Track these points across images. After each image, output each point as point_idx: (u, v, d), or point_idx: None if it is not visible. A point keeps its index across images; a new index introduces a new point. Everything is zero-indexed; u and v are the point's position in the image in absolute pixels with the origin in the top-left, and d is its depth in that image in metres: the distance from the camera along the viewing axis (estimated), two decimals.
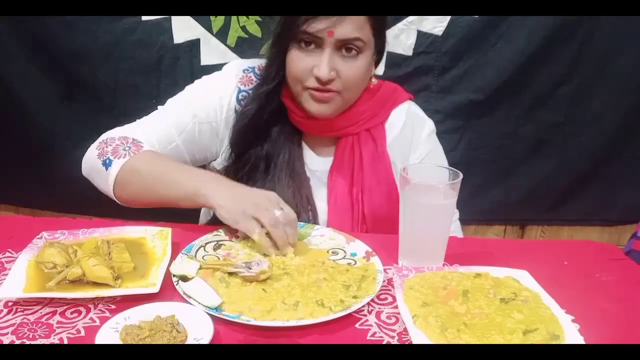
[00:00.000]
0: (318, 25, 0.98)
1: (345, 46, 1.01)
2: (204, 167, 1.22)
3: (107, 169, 1.03)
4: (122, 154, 1.03)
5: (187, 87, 1.18)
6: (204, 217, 1.28)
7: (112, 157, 1.03)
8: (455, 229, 1.21)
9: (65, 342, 0.71)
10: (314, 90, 1.04)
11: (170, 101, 1.17)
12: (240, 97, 1.14)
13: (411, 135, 1.20)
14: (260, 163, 1.13)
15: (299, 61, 1.03)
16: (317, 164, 1.17)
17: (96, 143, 1.08)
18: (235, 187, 0.99)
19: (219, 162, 1.19)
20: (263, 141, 1.13)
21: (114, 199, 1.06)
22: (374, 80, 1.14)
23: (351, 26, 0.99)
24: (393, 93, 1.21)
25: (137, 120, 1.14)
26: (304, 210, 1.11)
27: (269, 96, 1.11)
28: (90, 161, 1.08)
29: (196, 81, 1.19)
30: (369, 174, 1.14)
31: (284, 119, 1.14)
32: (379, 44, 1.08)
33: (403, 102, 1.21)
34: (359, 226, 1.14)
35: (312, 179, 1.16)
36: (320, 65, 1.01)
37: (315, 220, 1.12)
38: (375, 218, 1.14)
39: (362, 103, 1.14)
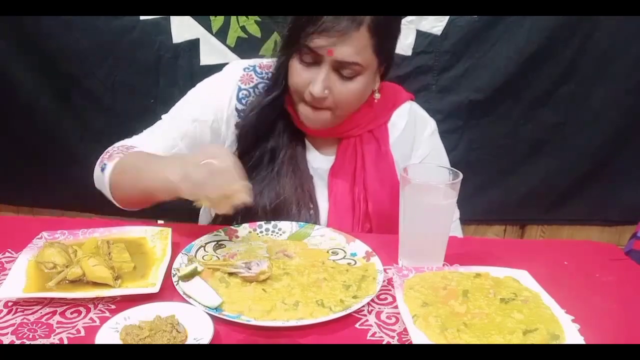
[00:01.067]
0: (319, 42, 0.99)
1: (343, 67, 1.02)
2: None
3: (103, 173, 1.05)
4: (115, 158, 1.05)
5: (189, 92, 1.19)
6: (204, 217, 1.28)
7: (107, 162, 1.05)
8: (455, 229, 1.21)
9: (65, 342, 0.71)
10: (308, 104, 1.06)
11: (173, 108, 1.18)
12: (240, 95, 1.15)
13: (413, 134, 1.21)
14: (264, 158, 1.14)
15: (298, 73, 1.05)
16: (319, 162, 1.18)
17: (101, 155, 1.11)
18: (185, 160, 0.94)
19: None
20: (267, 137, 1.15)
21: (116, 203, 1.07)
22: (377, 95, 1.14)
23: (351, 49, 0.99)
24: (394, 94, 1.22)
25: (143, 131, 1.16)
26: (305, 206, 1.12)
27: (273, 103, 1.12)
28: (95, 172, 1.10)
29: (197, 84, 1.20)
30: (372, 173, 1.15)
31: (289, 120, 1.15)
32: (383, 62, 1.09)
33: (404, 102, 1.23)
34: (360, 226, 1.15)
35: (314, 177, 1.17)
36: (315, 81, 1.02)
37: (316, 217, 1.13)
38: (380, 217, 1.14)
39: (363, 110, 1.14)
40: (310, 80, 1.03)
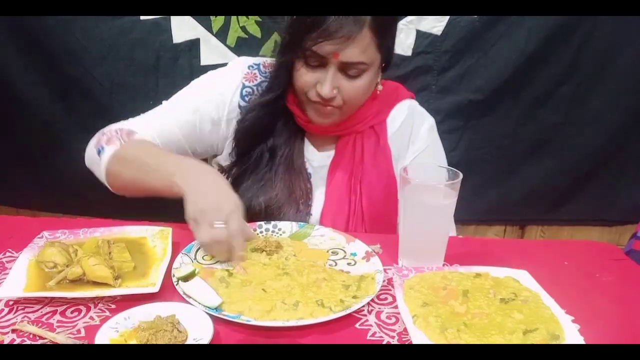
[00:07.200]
0: (326, 48, 1.00)
1: (349, 68, 1.03)
2: (205, 160, 1.23)
3: (100, 156, 1.06)
4: (115, 143, 1.05)
5: (192, 82, 1.20)
6: None
7: (105, 145, 1.06)
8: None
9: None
10: (316, 103, 1.07)
11: (175, 96, 1.18)
12: (244, 92, 1.16)
13: (410, 128, 1.23)
14: (263, 157, 1.15)
15: (303, 76, 1.06)
16: (319, 159, 1.19)
17: (96, 134, 1.11)
18: (204, 182, 0.94)
19: (224, 158, 1.20)
20: (267, 136, 1.16)
21: (109, 187, 1.08)
22: (379, 87, 1.16)
23: (357, 50, 1.01)
24: (395, 90, 1.24)
25: (142, 114, 1.16)
26: (298, 204, 1.13)
27: (273, 103, 1.13)
28: (89, 151, 1.11)
29: (202, 75, 1.20)
30: (370, 167, 1.17)
31: (288, 118, 1.16)
32: (385, 57, 1.10)
33: (405, 99, 1.24)
34: (356, 220, 1.15)
35: (313, 175, 1.18)
36: (324, 83, 1.04)
37: (309, 213, 1.14)
38: (373, 211, 1.15)
39: (367, 105, 1.16)
40: (316, 81, 1.05)
